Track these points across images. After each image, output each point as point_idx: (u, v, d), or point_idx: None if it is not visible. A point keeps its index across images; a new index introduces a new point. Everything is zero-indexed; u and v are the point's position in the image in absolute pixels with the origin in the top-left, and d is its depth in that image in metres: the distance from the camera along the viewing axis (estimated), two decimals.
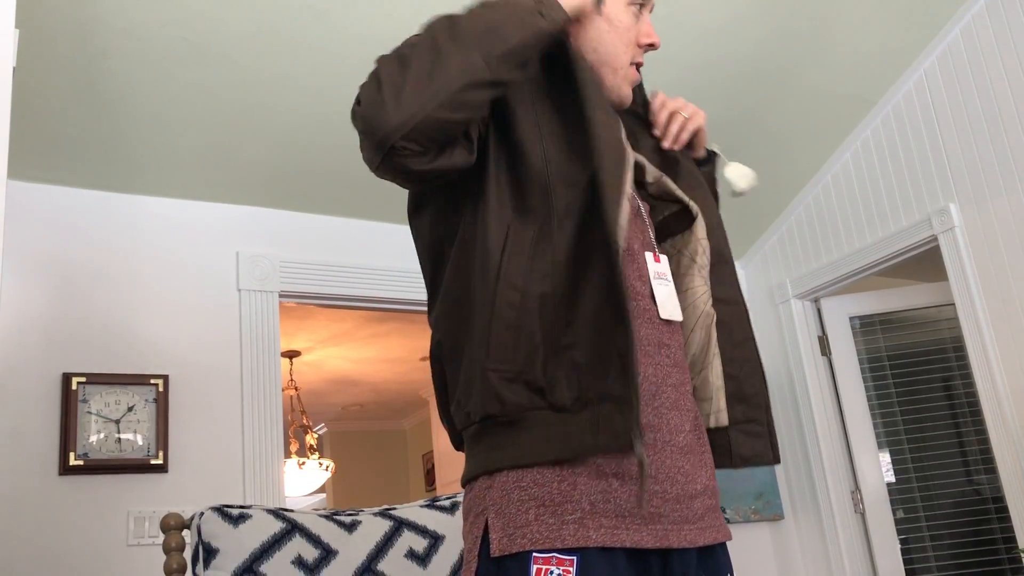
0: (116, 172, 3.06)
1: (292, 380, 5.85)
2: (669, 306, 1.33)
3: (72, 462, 2.79)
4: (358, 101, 1.18)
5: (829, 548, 3.85)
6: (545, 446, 1.17)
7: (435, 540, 1.96)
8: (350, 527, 1.92)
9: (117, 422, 2.90)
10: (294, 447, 6.08)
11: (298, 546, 1.83)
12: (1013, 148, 3.18)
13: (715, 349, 1.41)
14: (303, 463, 6.00)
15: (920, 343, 4.06)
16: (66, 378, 2.86)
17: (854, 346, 3.99)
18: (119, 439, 2.89)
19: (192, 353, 3.09)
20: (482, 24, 1.20)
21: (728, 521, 3.86)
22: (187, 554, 1.82)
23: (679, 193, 1.45)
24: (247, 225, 3.33)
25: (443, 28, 1.20)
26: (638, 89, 1.53)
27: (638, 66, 1.45)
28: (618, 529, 1.17)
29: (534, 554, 1.14)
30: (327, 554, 1.85)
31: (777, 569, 4.03)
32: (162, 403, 2.97)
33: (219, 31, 2.65)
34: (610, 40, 1.41)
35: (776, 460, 1.45)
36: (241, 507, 1.86)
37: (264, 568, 1.78)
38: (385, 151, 1.16)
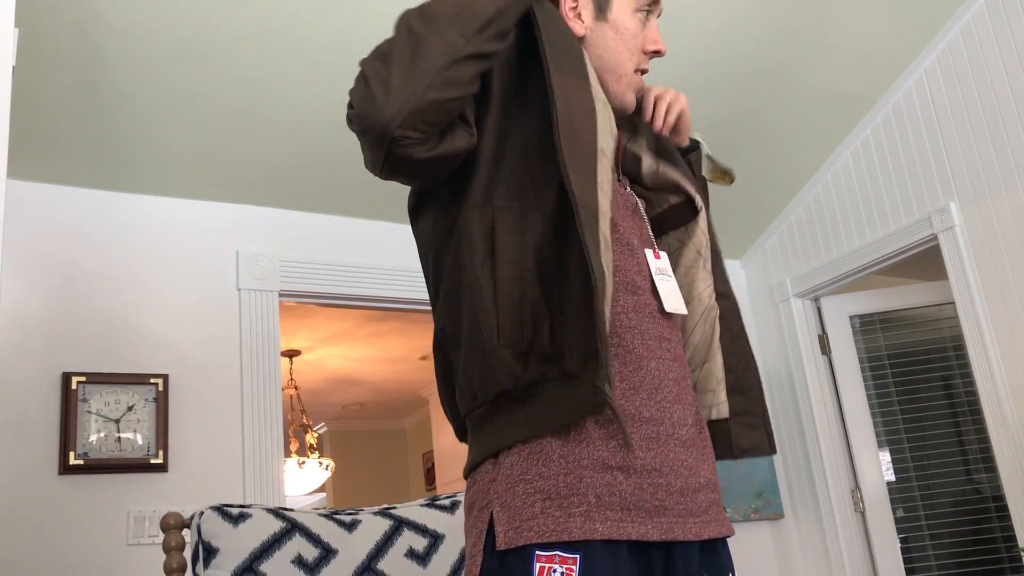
0: (116, 171, 3.06)
1: (292, 379, 5.85)
2: (673, 299, 1.33)
3: (72, 461, 2.79)
4: (350, 105, 1.19)
5: (829, 547, 3.85)
6: (553, 413, 1.18)
7: (435, 539, 1.96)
8: (350, 526, 1.92)
9: (117, 421, 2.90)
10: (294, 446, 6.08)
11: (298, 545, 1.83)
12: (1013, 147, 3.18)
13: (718, 343, 1.43)
14: (303, 462, 6.00)
15: (920, 342, 4.06)
16: (66, 377, 2.86)
17: (854, 345, 3.99)
18: (119, 438, 2.89)
19: (192, 352, 3.09)
20: (453, 2, 1.21)
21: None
22: (187, 553, 1.82)
23: (683, 183, 1.45)
24: (247, 224, 3.33)
25: (416, 16, 1.21)
26: None
27: (643, 72, 1.45)
28: (624, 522, 1.17)
29: (537, 552, 1.14)
30: (327, 553, 1.85)
31: (777, 568, 4.03)
32: (162, 402, 2.97)
33: (218, 30, 2.65)
34: (616, 48, 1.41)
35: (773, 451, 1.47)
36: (241, 506, 1.86)
37: (264, 567, 1.78)
38: (386, 144, 1.17)
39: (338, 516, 1.94)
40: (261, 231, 3.35)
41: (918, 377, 4.01)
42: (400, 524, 1.96)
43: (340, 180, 3.29)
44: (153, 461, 2.91)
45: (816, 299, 4.06)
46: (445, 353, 1.31)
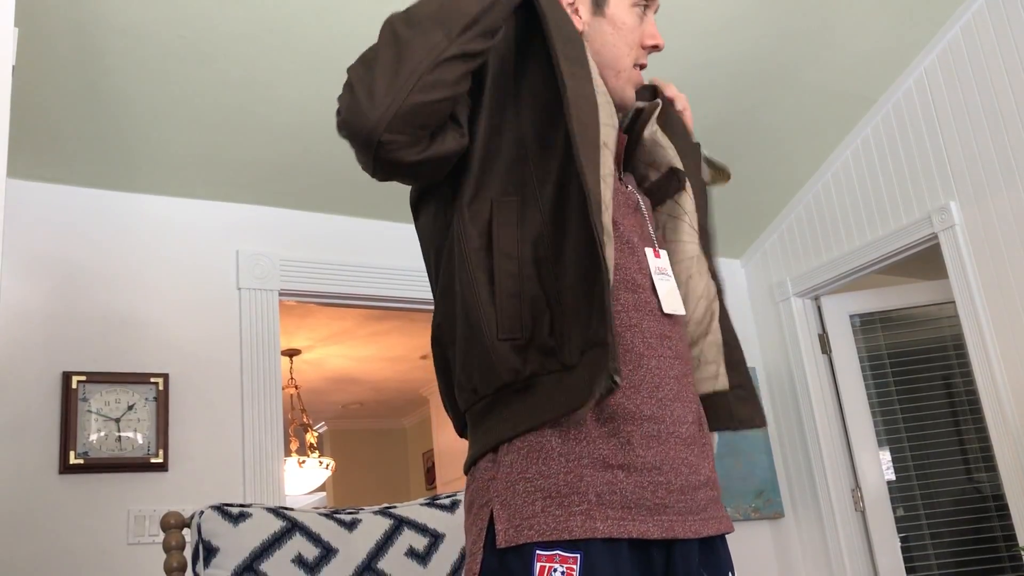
0: (116, 170, 3.06)
1: (292, 378, 5.85)
2: (671, 300, 1.34)
3: (72, 461, 2.79)
4: (338, 112, 1.19)
5: (829, 546, 3.85)
6: (552, 403, 1.17)
7: (435, 538, 1.96)
8: (350, 525, 1.92)
9: (117, 421, 2.90)
10: (294, 445, 6.08)
11: (298, 545, 1.83)
12: (1013, 146, 3.18)
13: (716, 317, 1.45)
14: (303, 461, 6.00)
15: (920, 341, 4.06)
16: (66, 377, 2.86)
17: (854, 344, 3.99)
18: (119, 438, 2.89)
19: (192, 351, 3.09)
20: (436, 3, 1.20)
21: None
22: (187, 553, 1.82)
23: (672, 152, 1.46)
24: (247, 223, 3.33)
25: (399, 19, 1.20)
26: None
27: (641, 67, 1.45)
28: (624, 520, 1.17)
29: (537, 551, 1.14)
30: (327, 553, 1.85)
31: (777, 567, 4.03)
32: (162, 402, 2.97)
33: (217, 30, 2.65)
34: (613, 42, 1.41)
35: (763, 423, 1.49)
36: (241, 506, 1.86)
37: (264, 567, 1.78)
38: (374, 149, 1.17)
39: (338, 515, 1.94)
40: (261, 230, 3.35)
41: (918, 376, 4.01)
42: (400, 523, 1.96)
43: (340, 179, 3.29)
44: (153, 460, 2.91)
45: (816, 298, 4.06)
46: (443, 349, 1.31)
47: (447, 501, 2.07)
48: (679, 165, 1.46)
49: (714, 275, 1.48)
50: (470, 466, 1.27)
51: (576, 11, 1.41)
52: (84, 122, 2.84)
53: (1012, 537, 3.41)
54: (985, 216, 3.28)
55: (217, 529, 1.80)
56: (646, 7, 1.44)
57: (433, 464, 7.03)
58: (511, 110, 1.28)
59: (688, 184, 1.47)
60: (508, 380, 1.19)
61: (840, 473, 3.87)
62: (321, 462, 6.12)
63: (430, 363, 5.82)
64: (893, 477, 3.90)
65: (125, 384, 2.94)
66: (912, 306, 4.06)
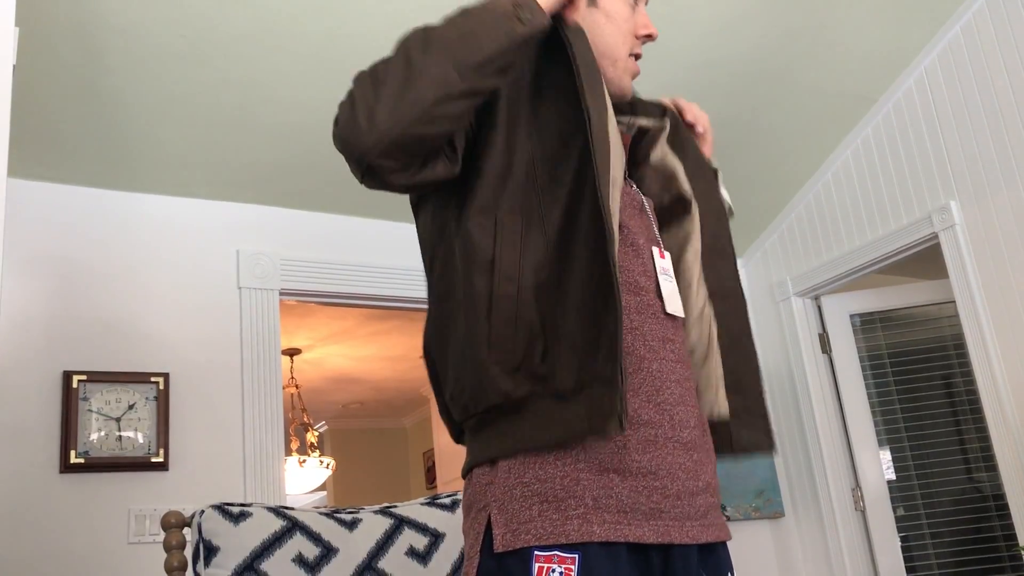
0: (117, 170, 3.06)
1: (293, 378, 5.85)
2: (674, 301, 1.33)
3: (73, 460, 2.80)
4: (336, 121, 1.17)
5: (830, 546, 3.85)
6: (545, 432, 1.17)
7: (436, 538, 1.97)
8: (351, 525, 1.92)
9: (118, 420, 2.90)
10: (295, 445, 6.08)
11: (299, 544, 1.83)
12: (1014, 145, 3.18)
13: (715, 343, 1.42)
14: (304, 461, 6.00)
15: (921, 341, 4.06)
16: (67, 376, 2.86)
17: (855, 344, 3.99)
18: (120, 437, 2.89)
19: (193, 351, 3.09)
20: (456, 33, 1.17)
21: (728, 519, 3.87)
22: (188, 552, 1.82)
23: (680, 176, 1.44)
24: (248, 223, 3.34)
25: (417, 41, 1.17)
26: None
27: (636, 57, 1.45)
28: (620, 524, 1.17)
29: (536, 552, 1.14)
30: (328, 552, 1.85)
31: (777, 567, 4.03)
32: (163, 401, 2.97)
33: (217, 29, 2.65)
34: (608, 32, 1.40)
35: (774, 448, 1.46)
36: (242, 505, 1.87)
37: (265, 566, 1.78)
38: (363, 170, 1.16)
39: (339, 515, 1.94)
40: (262, 230, 3.36)
41: (918, 376, 4.01)
42: (401, 523, 1.96)
43: (341, 179, 3.28)
44: (154, 460, 2.91)
45: (816, 298, 4.06)
46: (434, 361, 1.31)
47: (447, 500, 2.07)
48: (687, 190, 1.44)
49: (724, 295, 1.45)
50: (467, 472, 1.27)
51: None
52: (85, 121, 2.84)
53: (1012, 537, 3.41)
54: (985, 216, 3.28)
55: (218, 528, 1.80)
56: None
57: (433, 464, 7.03)
58: (524, 131, 1.26)
59: (695, 208, 1.45)
60: (497, 401, 1.19)
61: (840, 473, 3.87)
62: (321, 461, 6.12)
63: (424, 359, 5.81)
64: (893, 477, 3.90)
65: (126, 383, 2.94)
66: (912, 306, 4.06)
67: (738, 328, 1.46)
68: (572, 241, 1.20)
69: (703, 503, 1.27)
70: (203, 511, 1.83)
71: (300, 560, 1.81)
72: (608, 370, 1.13)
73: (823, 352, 4.01)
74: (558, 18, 1.29)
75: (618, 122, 1.39)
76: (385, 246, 3.52)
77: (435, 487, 7.06)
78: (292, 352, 5.75)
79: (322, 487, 7.34)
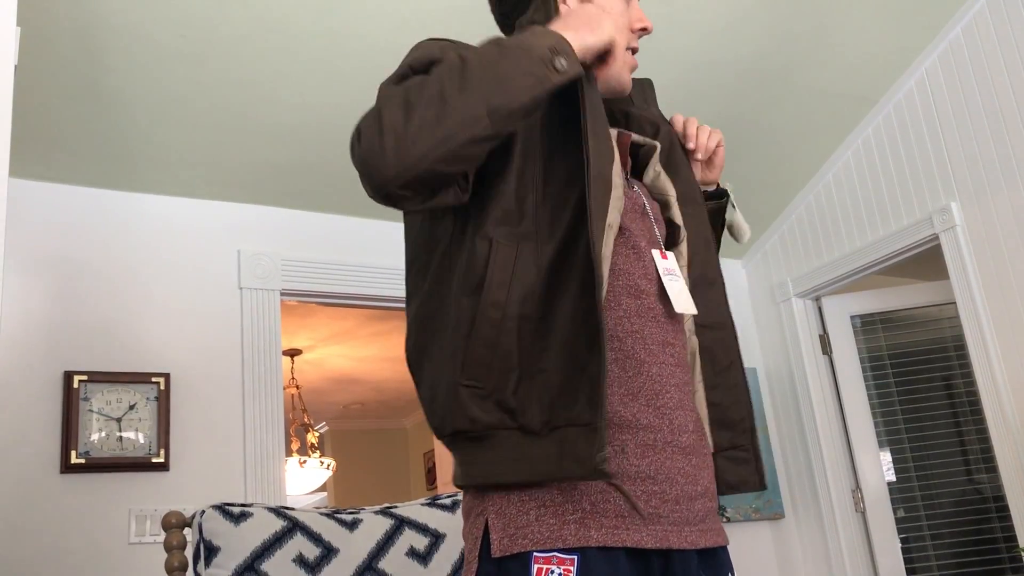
0: (118, 170, 3.06)
1: (293, 378, 5.86)
2: (683, 300, 1.32)
3: (73, 460, 2.80)
4: (358, 137, 1.15)
5: (830, 547, 3.85)
6: (511, 467, 1.17)
7: (436, 538, 1.97)
8: (351, 525, 1.92)
9: (118, 420, 2.90)
10: (295, 445, 6.09)
11: (299, 544, 1.83)
12: (1014, 146, 3.18)
13: (699, 376, 1.39)
14: (304, 461, 6.01)
15: (921, 342, 4.06)
16: (67, 376, 2.86)
17: (855, 345, 3.99)
18: (120, 437, 2.89)
19: (193, 351, 3.09)
20: (492, 76, 1.15)
21: (728, 520, 3.87)
22: (188, 552, 1.83)
23: (672, 203, 1.43)
24: (249, 223, 3.34)
25: (453, 75, 1.15)
26: (648, 89, 1.54)
27: (633, 51, 1.45)
28: (618, 529, 1.17)
29: (535, 554, 1.14)
30: (328, 552, 1.85)
31: (778, 568, 4.03)
32: (163, 401, 2.97)
33: (218, 30, 2.65)
34: None
35: (763, 486, 1.43)
36: (242, 505, 1.87)
37: (265, 566, 1.78)
38: (381, 196, 1.16)
39: (339, 515, 1.94)
40: (263, 230, 3.36)
41: (919, 377, 4.01)
42: (401, 523, 1.96)
43: (342, 179, 3.29)
44: (154, 460, 2.91)
45: (817, 299, 4.06)
46: (414, 374, 1.30)
47: (448, 501, 2.07)
48: (679, 219, 1.43)
49: (714, 327, 1.43)
50: (457, 484, 1.27)
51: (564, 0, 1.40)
52: (86, 121, 2.84)
53: (1012, 538, 3.41)
54: (986, 217, 3.28)
55: (218, 528, 1.80)
56: None
57: (434, 464, 7.04)
58: (533, 165, 1.26)
59: (684, 235, 1.43)
60: (464, 427, 1.18)
61: (840, 474, 3.87)
62: (322, 462, 6.12)
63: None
64: (893, 478, 3.90)
65: (126, 384, 2.94)
66: (913, 307, 4.06)
67: (727, 360, 1.43)
68: (563, 276, 1.19)
69: (701, 508, 1.26)
70: (204, 511, 1.83)
71: (300, 560, 1.81)
72: (587, 416, 1.12)
73: (824, 353, 4.01)
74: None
75: (611, 126, 1.38)
76: (386, 247, 3.52)
77: (435, 488, 7.06)
78: (293, 353, 5.75)
79: (322, 488, 7.34)
